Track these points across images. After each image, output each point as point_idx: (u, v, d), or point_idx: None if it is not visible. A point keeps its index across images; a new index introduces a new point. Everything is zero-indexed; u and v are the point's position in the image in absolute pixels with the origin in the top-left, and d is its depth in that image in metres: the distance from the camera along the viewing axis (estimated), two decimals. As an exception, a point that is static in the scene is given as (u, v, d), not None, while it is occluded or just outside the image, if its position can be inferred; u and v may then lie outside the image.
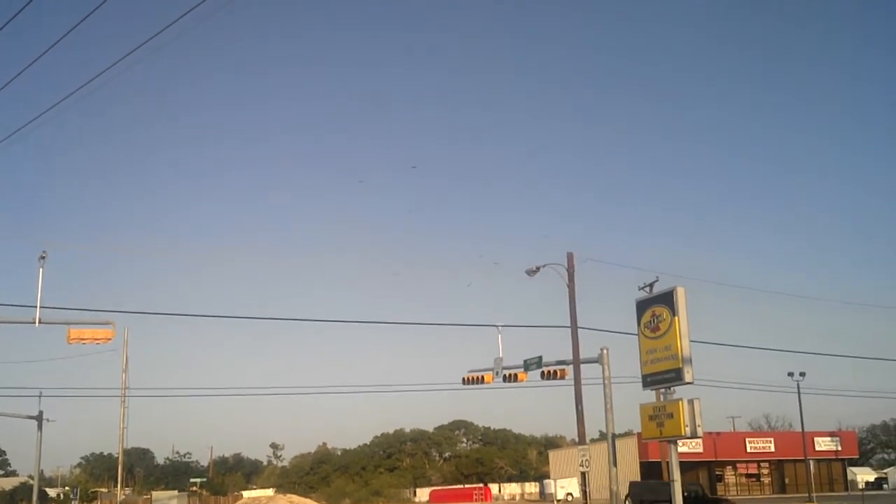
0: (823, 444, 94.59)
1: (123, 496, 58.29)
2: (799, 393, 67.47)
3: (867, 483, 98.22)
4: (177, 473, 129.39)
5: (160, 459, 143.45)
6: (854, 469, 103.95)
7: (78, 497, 67.56)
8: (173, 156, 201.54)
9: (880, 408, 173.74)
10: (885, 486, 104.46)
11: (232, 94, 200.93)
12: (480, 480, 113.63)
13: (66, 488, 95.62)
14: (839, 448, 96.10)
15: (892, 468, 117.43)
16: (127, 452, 54.13)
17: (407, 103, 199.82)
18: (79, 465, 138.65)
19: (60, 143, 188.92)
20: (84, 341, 31.11)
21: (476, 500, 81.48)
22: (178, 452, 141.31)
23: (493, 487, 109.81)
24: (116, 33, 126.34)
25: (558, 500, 73.67)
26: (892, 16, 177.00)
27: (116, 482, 53.29)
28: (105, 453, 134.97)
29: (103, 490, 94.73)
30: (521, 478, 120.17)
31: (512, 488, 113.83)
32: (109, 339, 31.73)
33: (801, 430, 73.26)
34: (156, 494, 53.65)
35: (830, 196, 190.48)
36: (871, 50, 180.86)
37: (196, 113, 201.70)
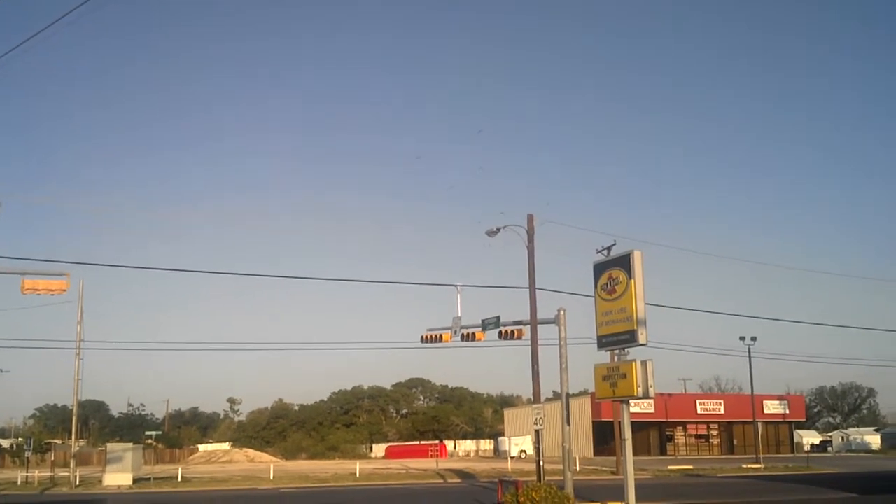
0: (772, 407, 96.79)
1: (78, 448, 57.95)
2: (750, 357, 68.71)
3: (812, 445, 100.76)
4: (132, 426, 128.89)
5: (115, 412, 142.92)
6: (800, 432, 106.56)
7: (32, 448, 67.06)
8: (131, 105, 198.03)
9: (828, 373, 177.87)
10: (829, 448, 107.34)
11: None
12: (436, 437, 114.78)
13: (20, 439, 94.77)
14: (787, 411, 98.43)
15: (836, 431, 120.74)
16: (82, 405, 53.75)
17: (364, 66, 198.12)
18: (33, 416, 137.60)
19: (17, 86, 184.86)
20: (38, 292, 30.67)
21: (431, 456, 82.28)
22: (132, 405, 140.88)
23: (449, 444, 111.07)
24: None
25: (512, 457, 74.70)
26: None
27: (71, 434, 52.92)
28: (59, 405, 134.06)
29: (57, 442, 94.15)
30: (477, 435, 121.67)
31: (467, 445, 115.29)
32: (64, 291, 31.30)
33: (750, 393, 74.79)
34: (110, 446, 53.22)
35: (786, 163, 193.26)
36: (849, 15, 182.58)
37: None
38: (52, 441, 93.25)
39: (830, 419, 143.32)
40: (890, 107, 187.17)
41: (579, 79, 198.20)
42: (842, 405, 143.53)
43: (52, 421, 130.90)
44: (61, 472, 56.87)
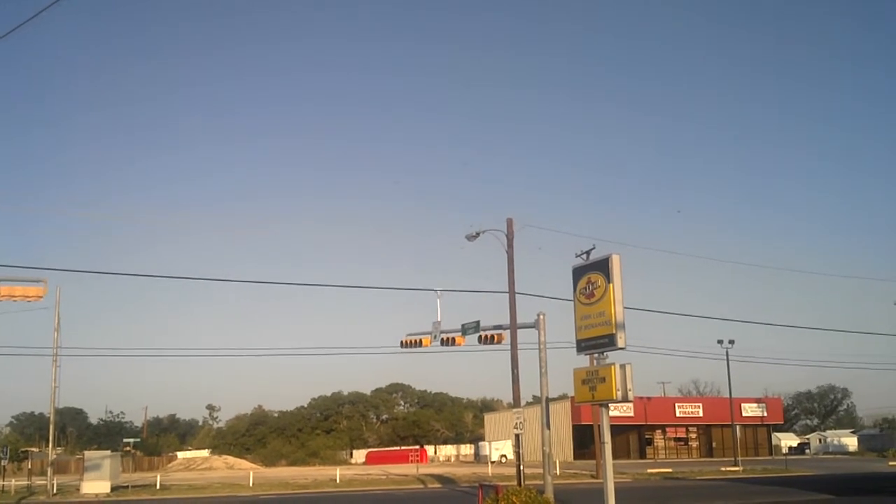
0: (750, 410, 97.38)
1: (55, 456, 57.44)
2: (728, 360, 69.07)
3: (790, 448, 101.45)
4: (110, 433, 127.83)
5: (93, 419, 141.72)
6: (779, 434, 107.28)
7: (8, 457, 66.35)
8: (112, 113, 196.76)
9: (806, 375, 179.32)
10: (807, 451, 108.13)
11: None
12: (417, 442, 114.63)
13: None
14: (765, 414, 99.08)
15: (814, 434, 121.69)
16: (59, 412, 53.28)
17: (344, 68, 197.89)
18: (9, 424, 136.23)
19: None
20: (14, 298, 30.55)
21: (412, 461, 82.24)
22: (110, 412, 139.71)
23: (430, 449, 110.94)
24: None
25: (493, 462, 74.73)
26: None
27: (48, 442, 52.48)
28: (36, 413, 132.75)
29: (34, 450, 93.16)
30: (457, 440, 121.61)
31: (448, 450, 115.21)
32: (41, 297, 31.21)
33: (728, 396, 75.18)
34: (88, 454, 52.78)
35: (765, 163, 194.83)
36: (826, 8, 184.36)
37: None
38: (28, 449, 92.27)
39: (808, 421, 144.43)
40: (871, 107, 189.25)
41: (562, 81, 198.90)
42: (819, 407, 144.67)
43: (29, 429, 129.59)
44: (38, 481, 56.36)
